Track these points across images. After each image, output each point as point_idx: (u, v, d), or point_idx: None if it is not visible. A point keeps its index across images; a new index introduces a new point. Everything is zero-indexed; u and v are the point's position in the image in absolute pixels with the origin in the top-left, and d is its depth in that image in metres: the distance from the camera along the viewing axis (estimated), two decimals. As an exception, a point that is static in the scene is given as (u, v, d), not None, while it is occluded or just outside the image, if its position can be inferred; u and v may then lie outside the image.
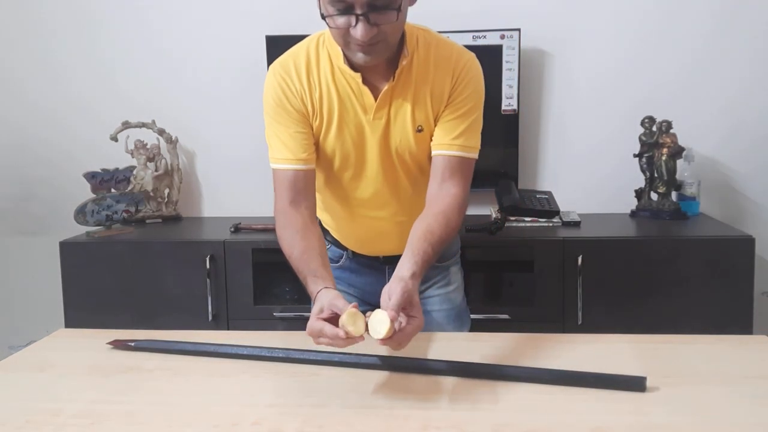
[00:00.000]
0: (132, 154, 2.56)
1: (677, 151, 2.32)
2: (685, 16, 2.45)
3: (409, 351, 1.19)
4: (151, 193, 2.59)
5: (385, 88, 1.30)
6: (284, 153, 1.32)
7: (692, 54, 2.46)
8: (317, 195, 1.51)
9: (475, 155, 1.36)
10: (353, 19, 1.15)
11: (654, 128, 2.36)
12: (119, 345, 1.27)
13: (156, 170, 2.59)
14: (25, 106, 2.75)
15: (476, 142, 1.37)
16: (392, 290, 1.07)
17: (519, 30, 2.40)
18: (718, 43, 2.45)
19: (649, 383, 1.02)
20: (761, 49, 2.44)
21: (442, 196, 1.31)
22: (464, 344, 1.27)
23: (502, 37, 2.41)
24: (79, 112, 2.72)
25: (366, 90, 1.30)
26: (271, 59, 2.46)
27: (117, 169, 2.50)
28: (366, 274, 1.53)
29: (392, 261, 1.49)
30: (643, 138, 2.37)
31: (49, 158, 2.75)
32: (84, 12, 2.67)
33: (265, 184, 2.53)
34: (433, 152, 1.35)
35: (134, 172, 2.55)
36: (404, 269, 1.14)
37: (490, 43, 2.40)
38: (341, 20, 1.16)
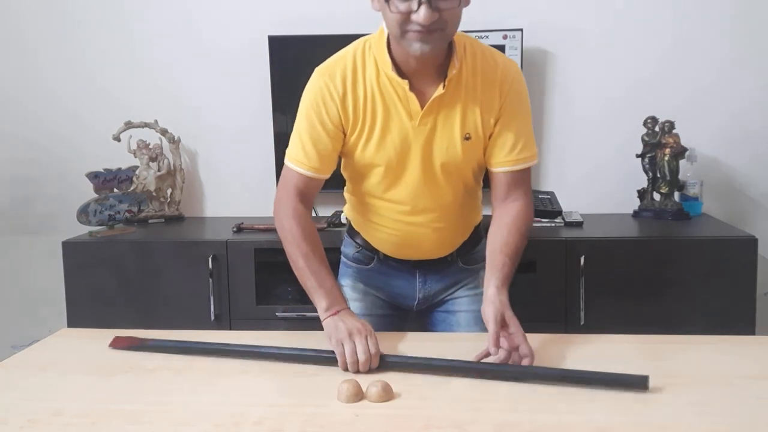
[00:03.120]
0: (134, 154, 2.56)
1: (680, 152, 2.32)
2: (688, 16, 2.45)
3: (413, 350, 1.19)
4: (154, 193, 2.59)
5: (435, 95, 1.29)
6: (300, 155, 1.33)
7: (695, 54, 2.46)
8: (350, 197, 1.49)
9: (533, 162, 1.38)
10: (415, 3, 1.16)
11: (656, 128, 2.35)
12: (122, 345, 1.27)
13: (158, 170, 2.59)
14: (28, 107, 2.75)
15: (532, 147, 1.37)
16: (486, 316, 1.21)
17: (521, 30, 2.40)
18: (721, 42, 2.44)
19: (651, 383, 1.02)
20: (764, 48, 2.44)
21: (509, 209, 1.36)
22: (466, 344, 1.26)
23: (505, 37, 2.41)
24: (82, 112, 2.72)
25: (413, 96, 1.29)
26: (273, 59, 2.46)
27: (120, 169, 2.51)
28: (396, 277, 1.51)
29: (423, 264, 1.48)
30: (646, 138, 2.36)
31: (51, 158, 2.75)
32: (88, 12, 2.68)
33: (267, 184, 2.56)
34: (493, 170, 1.37)
35: (137, 172, 2.56)
36: (489, 289, 1.25)
37: (492, 43, 2.37)
38: (403, 5, 1.17)
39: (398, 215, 1.41)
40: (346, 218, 1.56)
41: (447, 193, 1.39)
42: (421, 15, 1.15)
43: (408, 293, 1.51)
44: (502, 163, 1.35)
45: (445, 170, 1.35)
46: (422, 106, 1.29)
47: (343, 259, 1.56)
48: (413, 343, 1.29)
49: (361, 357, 1.12)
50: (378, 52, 1.29)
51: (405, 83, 1.27)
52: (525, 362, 1.12)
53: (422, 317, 1.55)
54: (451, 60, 1.28)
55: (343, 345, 1.15)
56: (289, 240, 1.32)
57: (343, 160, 1.41)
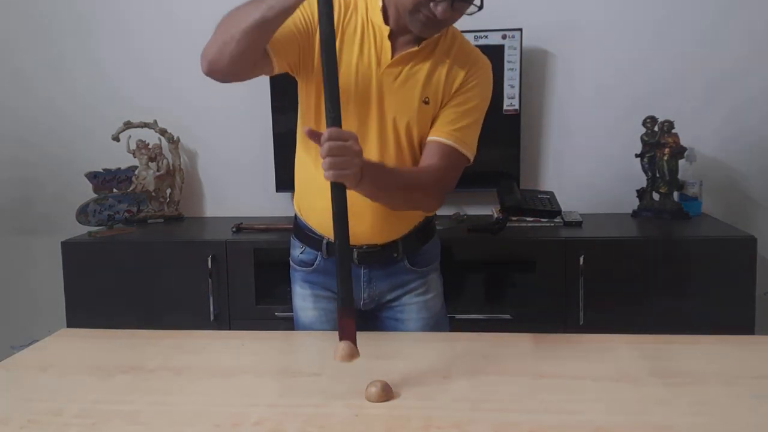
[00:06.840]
0: (134, 154, 2.56)
1: (679, 151, 2.32)
2: (688, 15, 2.45)
3: (410, 349, 1.19)
4: (153, 193, 2.59)
5: (408, 50, 1.32)
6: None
7: (694, 54, 2.46)
8: (298, 163, 1.45)
9: (467, 153, 1.37)
10: None
11: (656, 128, 2.35)
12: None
13: (158, 170, 2.59)
14: (27, 107, 2.75)
15: (472, 142, 1.37)
16: None
17: (521, 30, 2.40)
18: (720, 42, 2.44)
19: (650, 383, 1.02)
20: (764, 48, 2.44)
21: (422, 166, 1.34)
22: (467, 344, 1.27)
23: (504, 37, 2.41)
24: (81, 112, 2.72)
25: (388, 45, 1.32)
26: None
27: (119, 169, 2.51)
28: None
29: (367, 260, 1.43)
30: (645, 138, 2.36)
31: (51, 158, 2.75)
32: (87, 12, 2.67)
33: (267, 184, 2.56)
34: (429, 138, 1.36)
35: (136, 172, 2.55)
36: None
37: (491, 42, 2.40)
38: None
39: None
40: (295, 208, 1.51)
41: (391, 151, 1.35)
42: (439, 10, 1.22)
43: (354, 295, 1.47)
44: (436, 132, 1.35)
45: (395, 127, 1.35)
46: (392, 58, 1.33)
47: (291, 263, 1.54)
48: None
49: None
50: None
51: (386, 30, 1.31)
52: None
53: (372, 321, 1.50)
54: None
55: None
56: (229, 14, 1.30)
57: (300, 95, 1.38)
